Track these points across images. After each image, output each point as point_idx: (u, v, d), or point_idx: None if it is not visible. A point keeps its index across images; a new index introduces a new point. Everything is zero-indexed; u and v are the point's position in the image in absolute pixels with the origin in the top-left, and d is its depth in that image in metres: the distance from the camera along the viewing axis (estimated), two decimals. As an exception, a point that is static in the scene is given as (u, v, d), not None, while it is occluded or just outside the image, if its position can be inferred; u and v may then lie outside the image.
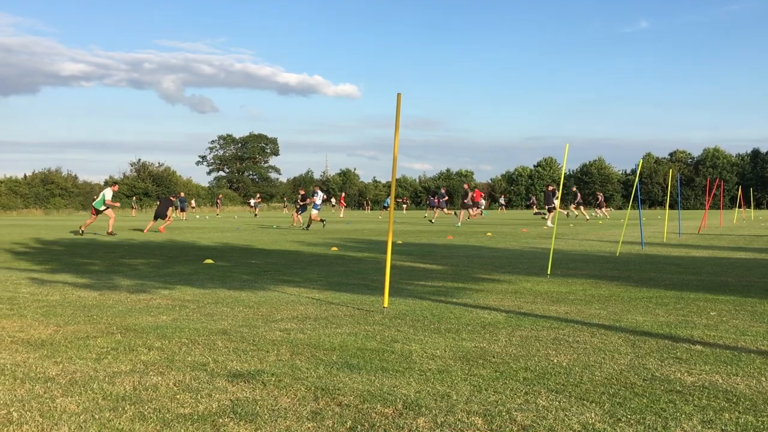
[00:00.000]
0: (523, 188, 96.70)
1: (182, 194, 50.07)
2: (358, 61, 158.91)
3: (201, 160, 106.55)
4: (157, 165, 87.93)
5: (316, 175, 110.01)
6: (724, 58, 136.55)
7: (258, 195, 60.83)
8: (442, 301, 6.55)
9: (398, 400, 3.23)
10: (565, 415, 3.02)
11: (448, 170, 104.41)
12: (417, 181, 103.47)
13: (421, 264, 10.69)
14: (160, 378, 3.67)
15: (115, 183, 23.08)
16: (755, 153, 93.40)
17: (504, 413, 3.04)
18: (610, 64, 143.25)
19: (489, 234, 19.90)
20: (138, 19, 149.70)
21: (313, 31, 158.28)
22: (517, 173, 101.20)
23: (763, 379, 3.60)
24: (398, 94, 6.01)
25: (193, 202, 62.22)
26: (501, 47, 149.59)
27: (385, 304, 5.88)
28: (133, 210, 60.58)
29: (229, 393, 3.38)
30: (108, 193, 20.72)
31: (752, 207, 53.47)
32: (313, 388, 3.45)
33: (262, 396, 3.32)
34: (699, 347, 4.37)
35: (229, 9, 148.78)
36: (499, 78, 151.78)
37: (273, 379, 3.62)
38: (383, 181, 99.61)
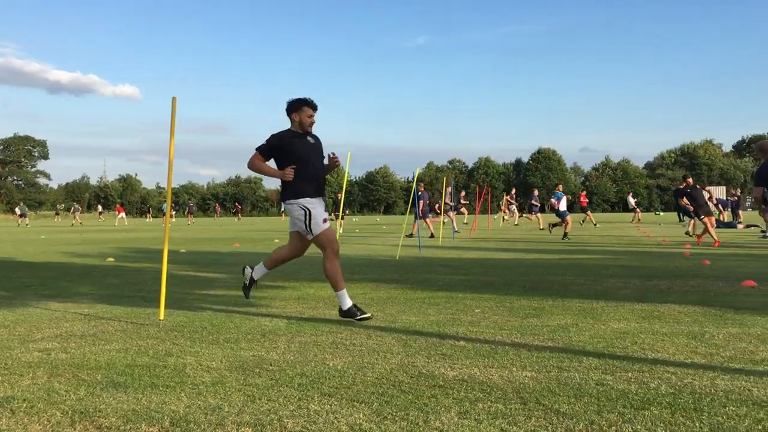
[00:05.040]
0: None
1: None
2: (139, 62, 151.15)
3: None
4: None
5: (93, 181, 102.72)
6: (498, 73, 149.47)
7: (22, 203, 55.71)
8: (224, 310, 6.40)
9: (165, 418, 3.09)
10: (335, 417, 3.09)
11: (237, 176, 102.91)
12: (205, 187, 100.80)
13: (204, 273, 10.38)
14: None
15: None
16: (518, 162, 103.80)
17: (275, 421, 3.04)
18: (397, 76, 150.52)
19: (276, 241, 19.88)
20: None
21: (85, 27, 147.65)
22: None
23: (514, 369, 3.96)
24: (173, 98, 5.79)
25: None
26: (285, 53, 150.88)
27: (161, 317, 5.61)
28: None
29: (-31, 426, 3.01)
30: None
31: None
32: (70, 412, 3.19)
33: (9, 425, 3.00)
34: (462, 343, 4.71)
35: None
36: (283, 83, 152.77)
37: (24, 405, 3.29)
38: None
